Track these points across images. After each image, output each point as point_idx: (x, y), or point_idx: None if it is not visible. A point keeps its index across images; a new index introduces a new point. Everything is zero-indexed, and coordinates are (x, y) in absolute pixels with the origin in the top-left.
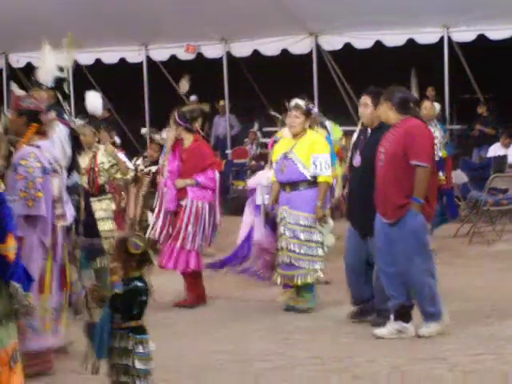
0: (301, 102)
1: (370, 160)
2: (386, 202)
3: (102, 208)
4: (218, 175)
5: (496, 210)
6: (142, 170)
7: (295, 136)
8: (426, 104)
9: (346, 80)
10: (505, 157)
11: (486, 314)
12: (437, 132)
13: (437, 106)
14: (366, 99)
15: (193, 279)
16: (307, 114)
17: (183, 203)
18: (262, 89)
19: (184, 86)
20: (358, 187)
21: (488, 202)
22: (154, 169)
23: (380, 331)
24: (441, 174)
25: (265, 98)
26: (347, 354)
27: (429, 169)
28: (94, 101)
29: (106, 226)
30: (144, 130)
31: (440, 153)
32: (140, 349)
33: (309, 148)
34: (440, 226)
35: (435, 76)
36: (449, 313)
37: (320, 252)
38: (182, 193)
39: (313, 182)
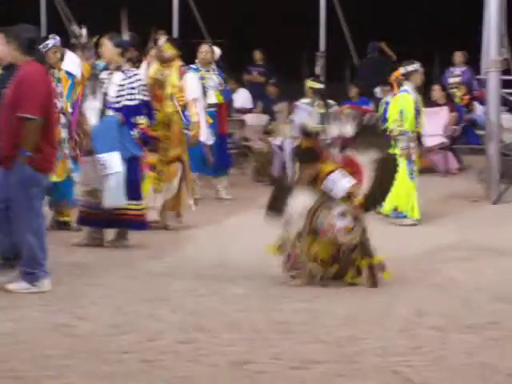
0: None
1: None
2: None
3: None
4: None
5: None
6: None
7: None
8: (203, 48)
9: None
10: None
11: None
12: (214, 77)
13: (216, 50)
14: None
15: None
16: None
17: None
18: None
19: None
20: None
21: None
22: None
23: (11, 285)
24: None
25: None
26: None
27: (37, 121)
28: None
29: None
30: None
31: (215, 98)
32: None
33: None
34: (219, 175)
35: (164, 19)
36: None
37: None
38: None
39: None
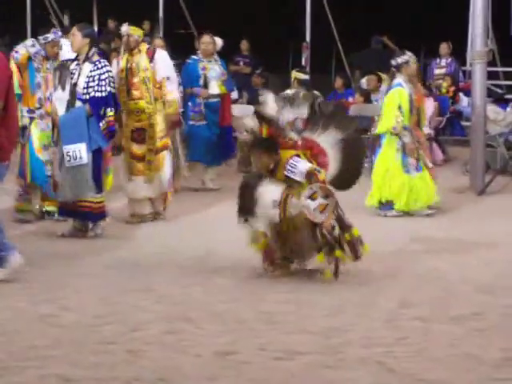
0: None
1: None
2: None
3: None
4: None
5: None
6: None
7: None
8: (204, 39)
9: None
10: None
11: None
12: (216, 67)
13: (218, 40)
14: None
15: None
16: None
17: None
18: None
19: None
20: None
21: None
22: None
23: None
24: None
25: None
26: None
27: None
28: None
29: None
30: None
31: (217, 89)
32: None
33: None
34: (214, 165)
35: (152, 10)
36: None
37: None
38: None
39: None
